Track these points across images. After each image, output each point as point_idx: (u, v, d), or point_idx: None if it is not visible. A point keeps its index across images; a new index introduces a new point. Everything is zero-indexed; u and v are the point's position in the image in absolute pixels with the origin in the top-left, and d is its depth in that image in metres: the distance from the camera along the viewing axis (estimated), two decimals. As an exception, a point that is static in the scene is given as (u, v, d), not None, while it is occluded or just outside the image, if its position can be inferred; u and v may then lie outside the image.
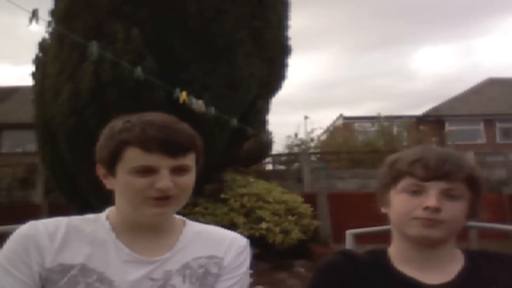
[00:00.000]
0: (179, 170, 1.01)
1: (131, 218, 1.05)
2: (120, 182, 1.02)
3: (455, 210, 1.01)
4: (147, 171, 0.99)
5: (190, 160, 1.03)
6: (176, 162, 1.00)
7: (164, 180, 0.98)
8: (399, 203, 1.05)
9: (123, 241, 1.04)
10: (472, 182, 1.04)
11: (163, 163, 0.99)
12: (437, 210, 0.99)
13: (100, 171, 1.06)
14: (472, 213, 1.06)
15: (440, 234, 1.01)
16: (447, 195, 1.01)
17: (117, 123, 1.04)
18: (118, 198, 1.06)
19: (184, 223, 1.15)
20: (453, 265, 1.05)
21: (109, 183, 1.05)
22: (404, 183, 1.05)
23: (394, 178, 1.07)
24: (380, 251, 1.12)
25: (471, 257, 1.08)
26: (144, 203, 1.00)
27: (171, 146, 0.99)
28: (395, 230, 1.09)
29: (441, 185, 1.01)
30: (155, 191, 0.99)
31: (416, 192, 1.03)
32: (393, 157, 1.12)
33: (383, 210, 1.12)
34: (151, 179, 0.99)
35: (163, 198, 1.00)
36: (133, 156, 0.99)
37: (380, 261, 1.08)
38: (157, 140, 0.98)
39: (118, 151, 1.00)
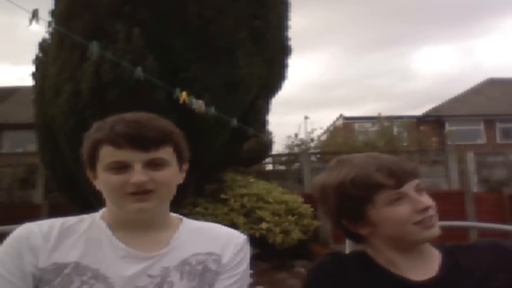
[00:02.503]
0: (154, 165, 1.02)
1: (120, 216, 1.06)
2: (100, 181, 1.04)
3: (431, 201, 1.05)
4: (121, 167, 1.00)
5: (165, 154, 1.04)
6: (148, 156, 1.01)
7: (137, 175, 0.99)
8: (393, 215, 1.02)
9: (119, 238, 1.05)
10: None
11: (135, 157, 1.00)
12: (432, 206, 1.02)
13: (88, 173, 1.08)
14: None
15: (438, 229, 1.04)
16: (418, 190, 1.04)
17: (94, 125, 1.07)
18: (105, 198, 1.08)
19: (180, 220, 1.15)
20: (432, 260, 1.07)
21: (96, 183, 1.07)
22: (381, 197, 1.02)
23: (367, 195, 1.03)
24: (361, 253, 1.12)
25: (447, 251, 1.10)
26: (123, 200, 1.01)
27: (140, 140, 1.00)
28: (389, 238, 1.06)
29: (413, 184, 1.03)
30: (131, 186, 1.00)
31: (399, 199, 1.02)
32: (343, 177, 1.04)
33: (363, 231, 1.07)
34: (126, 175, 1.00)
35: (142, 193, 1.00)
36: (106, 154, 1.01)
37: (366, 261, 1.09)
38: (125, 135, 1.00)
39: (93, 150, 1.03)
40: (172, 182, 1.07)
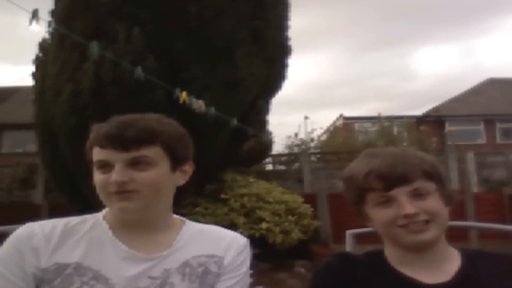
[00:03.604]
0: (136, 164, 1.02)
1: (118, 217, 1.07)
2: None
3: (432, 206, 1.01)
4: (104, 166, 1.02)
5: (150, 154, 1.03)
6: (129, 155, 1.01)
7: (116, 174, 1.00)
8: (378, 218, 1.05)
9: (121, 239, 1.05)
10: (430, 175, 1.03)
11: (115, 157, 1.01)
12: (416, 214, 0.99)
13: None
14: (448, 201, 1.06)
15: (432, 234, 1.01)
16: (415, 195, 1.01)
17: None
18: None
19: (183, 222, 1.16)
20: (450, 264, 1.06)
21: None
22: (370, 198, 1.05)
23: (358, 195, 1.07)
24: (376, 253, 1.12)
25: (468, 256, 1.08)
26: (109, 199, 1.03)
27: (120, 140, 1.01)
28: (385, 238, 1.09)
29: (404, 189, 1.01)
30: (113, 186, 1.01)
31: (387, 202, 1.02)
32: (346, 173, 1.10)
33: (367, 224, 1.11)
34: (108, 175, 1.01)
35: (123, 192, 1.01)
36: (95, 154, 1.04)
37: (377, 262, 1.08)
38: (108, 136, 1.02)
39: (89, 152, 1.06)
40: (158, 183, 1.04)
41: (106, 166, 1.02)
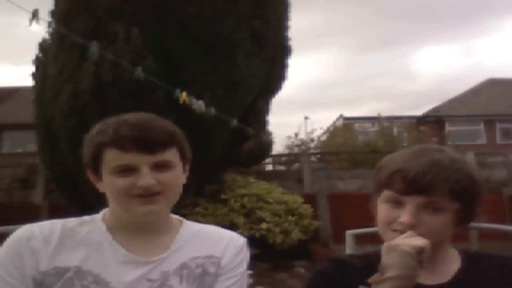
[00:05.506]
0: (160, 167, 1.01)
1: (124, 219, 1.06)
2: (105, 184, 1.03)
3: (435, 223, 0.97)
4: (127, 170, 0.99)
5: (171, 156, 1.04)
6: (155, 159, 1.00)
7: (145, 178, 0.99)
8: (381, 213, 1.03)
9: (119, 242, 1.04)
10: (457, 193, 0.97)
11: (141, 160, 0.99)
12: (412, 226, 0.96)
13: (90, 176, 1.07)
14: (461, 221, 1.02)
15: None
16: (428, 207, 0.97)
17: (96, 127, 1.05)
18: (109, 200, 1.07)
19: (181, 223, 1.15)
20: (449, 265, 1.05)
21: (99, 186, 1.06)
22: (385, 194, 1.02)
23: (377, 187, 1.05)
24: (374, 254, 1.10)
25: (468, 258, 1.07)
26: (131, 202, 1.01)
27: (146, 143, 0.99)
28: (382, 236, 1.07)
29: (419, 199, 0.96)
30: (139, 189, 0.99)
31: (397, 203, 1.00)
32: (382, 162, 1.07)
33: (375, 212, 1.10)
34: (133, 178, 0.99)
35: (149, 195, 1.00)
36: (111, 157, 1.00)
37: (375, 263, 1.08)
38: (131, 139, 0.99)
39: (97, 153, 1.02)
40: (179, 184, 1.07)
41: (128, 170, 0.99)
